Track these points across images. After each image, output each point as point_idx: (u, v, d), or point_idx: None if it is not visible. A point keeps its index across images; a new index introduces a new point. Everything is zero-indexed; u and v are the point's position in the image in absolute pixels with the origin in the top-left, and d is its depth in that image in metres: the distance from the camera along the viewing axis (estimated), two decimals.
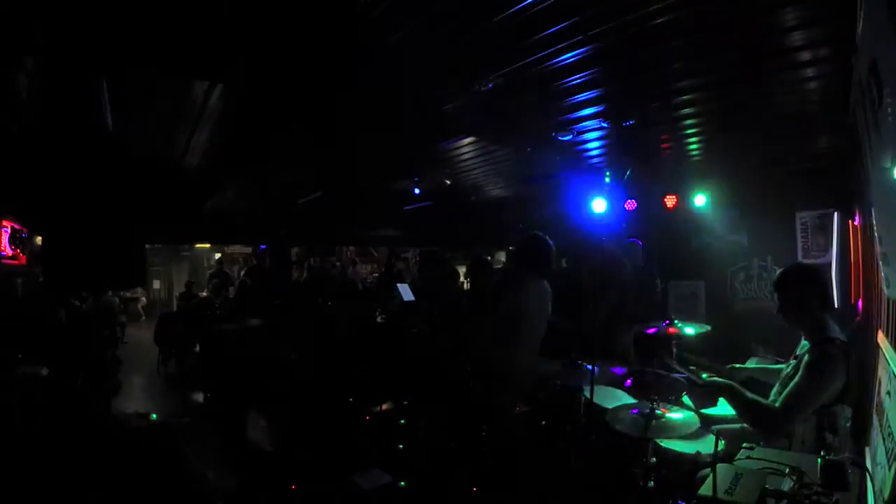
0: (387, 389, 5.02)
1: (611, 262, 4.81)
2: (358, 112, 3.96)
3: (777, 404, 2.47)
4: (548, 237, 3.67)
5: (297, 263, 14.90)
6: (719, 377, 2.79)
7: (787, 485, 1.83)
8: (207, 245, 16.44)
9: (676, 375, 3.41)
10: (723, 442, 1.98)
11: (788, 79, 3.15)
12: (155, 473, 3.05)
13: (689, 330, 3.89)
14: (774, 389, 2.77)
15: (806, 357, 2.56)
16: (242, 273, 10.94)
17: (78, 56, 2.77)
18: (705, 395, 2.73)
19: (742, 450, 2.18)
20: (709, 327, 4.03)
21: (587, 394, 2.99)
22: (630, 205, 6.14)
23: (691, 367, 3.25)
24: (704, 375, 3.30)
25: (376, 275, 14.38)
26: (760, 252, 5.98)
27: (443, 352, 4.63)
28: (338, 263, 14.77)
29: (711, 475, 1.72)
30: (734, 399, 2.55)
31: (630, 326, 4.54)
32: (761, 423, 2.46)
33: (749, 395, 2.53)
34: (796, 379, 2.49)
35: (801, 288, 2.67)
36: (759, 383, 2.93)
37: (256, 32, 2.68)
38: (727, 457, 2.12)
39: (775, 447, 2.30)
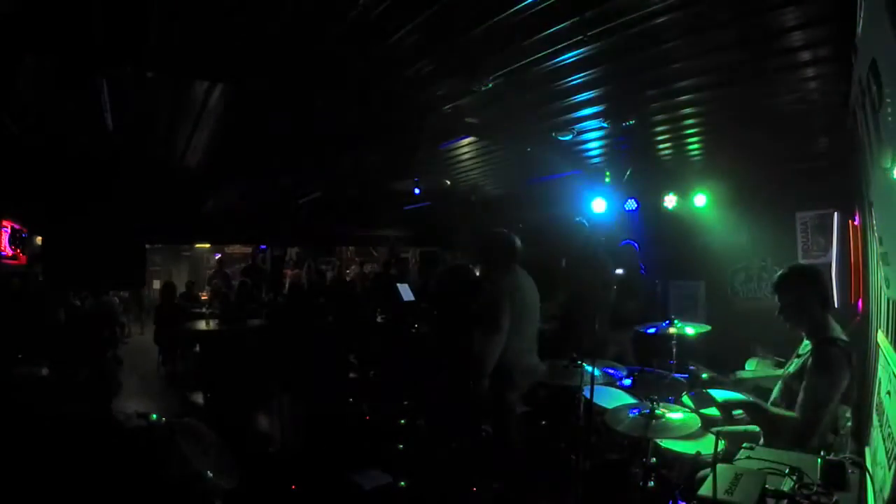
0: (387, 389, 5.02)
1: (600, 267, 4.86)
2: (358, 114, 3.97)
3: (797, 415, 2.45)
4: (507, 231, 3.69)
5: (297, 263, 14.92)
6: (727, 388, 2.79)
7: (787, 485, 1.83)
8: (207, 245, 16.43)
9: (677, 376, 3.41)
10: (723, 442, 1.98)
11: (788, 79, 3.14)
12: (155, 473, 3.05)
13: (689, 330, 3.89)
14: (777, 388, 2.77)
15: (810, 360, 2.55)
16: (240, 273, 10.92)
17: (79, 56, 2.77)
18: (725, 413, 2.72)
19: (742, 450, 2.18)
20: (709, 327, 4.04)
21: (587, 394, 2.99)
22: (630, 205, 6.14)
23: (703, 375, 3.27)
24: (705, 375, 3.32)
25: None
26: (760, 252, 5.97)
27: (443, 351, 4.63)
28: (338, 263, 14.77)
29: (711, 475, 1.72)
30: (757, 415, 2.56)
31: (627, 328, 4.55)
32: (787, 435, 2.41)
33: (772, 409, 2.54)
34: (806, 384, 2.47)
35: (801, 289, 2.66)
36: (764, 389, 2.93)
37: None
38: (727, 457, 2.12)
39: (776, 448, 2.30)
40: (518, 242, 3.69)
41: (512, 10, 2.41)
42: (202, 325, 7.67)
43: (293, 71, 3.14)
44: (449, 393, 3.91)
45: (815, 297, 2.63)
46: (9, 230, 5.71)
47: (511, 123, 4.21)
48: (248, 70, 3.09)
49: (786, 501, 1.73)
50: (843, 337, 2.56)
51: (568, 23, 2.52)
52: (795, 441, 2.35)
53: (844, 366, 2.44)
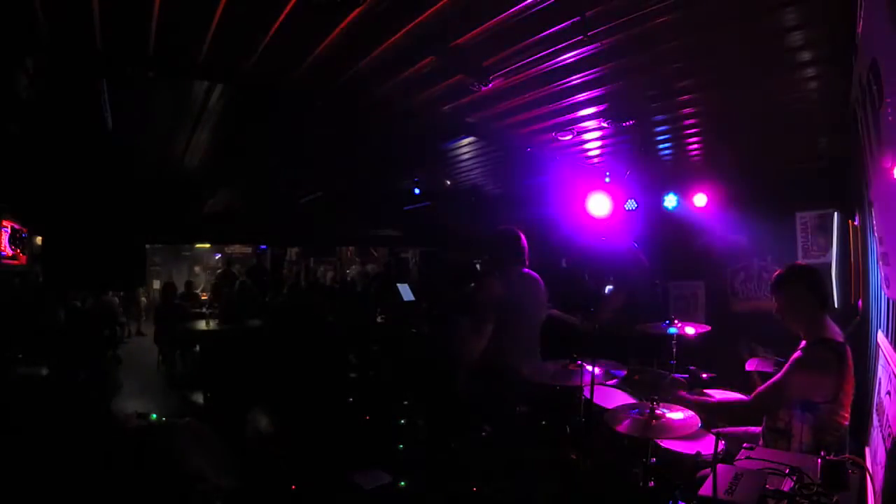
0: (388, 389, 5.02)
1: (623, 264, 4.87)
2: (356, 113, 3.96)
3: (752, 398, 2.68)
4: (516, 229, 3.69)
5: (297, 263, 14.93)
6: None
7: (787, 485, 1.83)
8: (207, 245, 16.45)
9: (677, 376, 3.41)
10: (723, 442, 1.98)
11: (788, 79, 3.14)
12: (155, 473, 3.05)
13: (689, 330, 3.89)
14: None
15: (796, 353, 2.59)
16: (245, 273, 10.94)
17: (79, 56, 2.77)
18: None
19: (742, 450, 2.18)
20: (709, 327, 4.04)
21: (587, 394, 2.99)
22: (630, 205, 6.14)
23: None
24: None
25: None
26: (760, 252, 5.97)
27: (442, 351, 4.63)
28: (339, 263, 14.79)
29: (711, 475, 1.72)
30: (709, 412, 2.80)
31: (632, 327, 4.55)
32: (738, 417, 2.74)
33: (715, 402, 2.83)
34: (780, 371, 2.56)
35: (797, 289, 2.67)
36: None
37: None
38: (727, 457, 2.13)
39: (776, 447, 2.31)
40: (524, 240, 3.68)
41: (512, 9, 2.41)
42: (202, 325, 7.67)
43: (290, 71, 3.13)
44: (445, 392, 3.92)
45: (811, 298, 2.63)
46: (9, 230, 5.71)
47: (511, 123, 4.20)
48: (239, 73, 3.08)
49: (786, 501, 1.73)
50: (839, 338, 2.56)
51: (568, 23, 2.52)
52: (745, 421, 2.74)
53: (830, 367, 2.44)
